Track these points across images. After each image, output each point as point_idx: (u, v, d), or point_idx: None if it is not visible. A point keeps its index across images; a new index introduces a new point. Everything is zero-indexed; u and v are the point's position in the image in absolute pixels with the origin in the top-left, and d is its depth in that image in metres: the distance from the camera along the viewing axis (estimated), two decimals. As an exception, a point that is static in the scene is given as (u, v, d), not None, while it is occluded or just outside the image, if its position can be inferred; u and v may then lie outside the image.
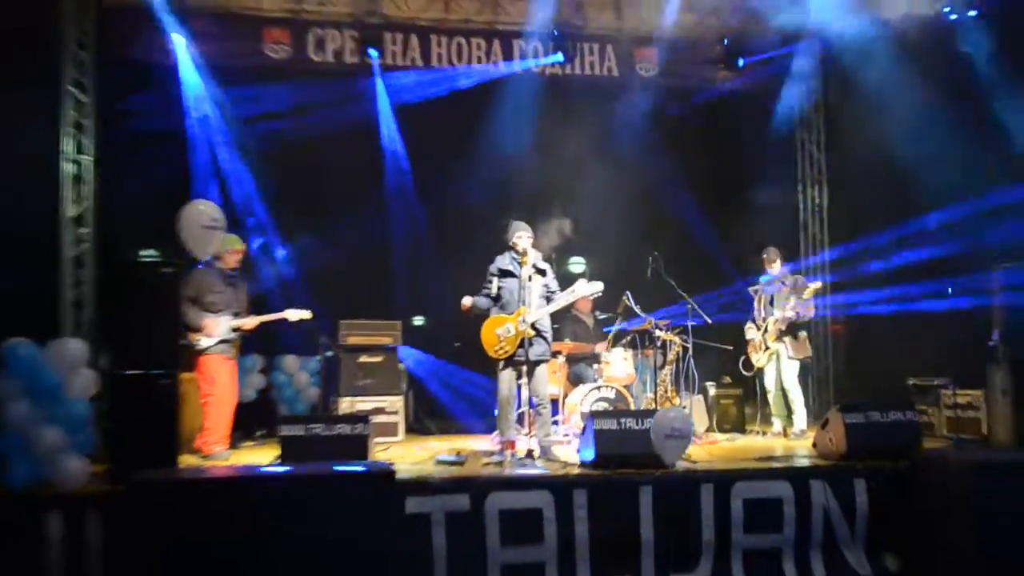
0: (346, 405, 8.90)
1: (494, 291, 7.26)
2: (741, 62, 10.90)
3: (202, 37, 9.73)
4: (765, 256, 9.12)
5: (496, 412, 7.46)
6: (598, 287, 7.46)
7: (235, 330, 7.44)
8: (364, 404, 8.85)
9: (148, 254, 9.38)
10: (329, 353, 9.20)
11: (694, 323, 8.69)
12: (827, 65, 10.96)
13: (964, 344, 8.27)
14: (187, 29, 9.58)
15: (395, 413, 9.03)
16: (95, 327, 9.03)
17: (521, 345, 7.02)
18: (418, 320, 10.89)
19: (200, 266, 7.32)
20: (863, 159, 10.26)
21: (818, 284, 8.84)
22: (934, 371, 8.91)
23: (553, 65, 10.75)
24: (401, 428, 9.08)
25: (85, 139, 9.33)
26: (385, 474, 5.18)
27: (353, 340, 9.22)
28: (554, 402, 8.32)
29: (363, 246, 10.12)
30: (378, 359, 9.22)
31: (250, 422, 9.03)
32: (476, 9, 10.56)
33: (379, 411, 8.80)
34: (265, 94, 9.87)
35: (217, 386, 7.31)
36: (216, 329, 7.29)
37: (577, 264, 11.20)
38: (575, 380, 9.30)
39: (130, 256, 9.13)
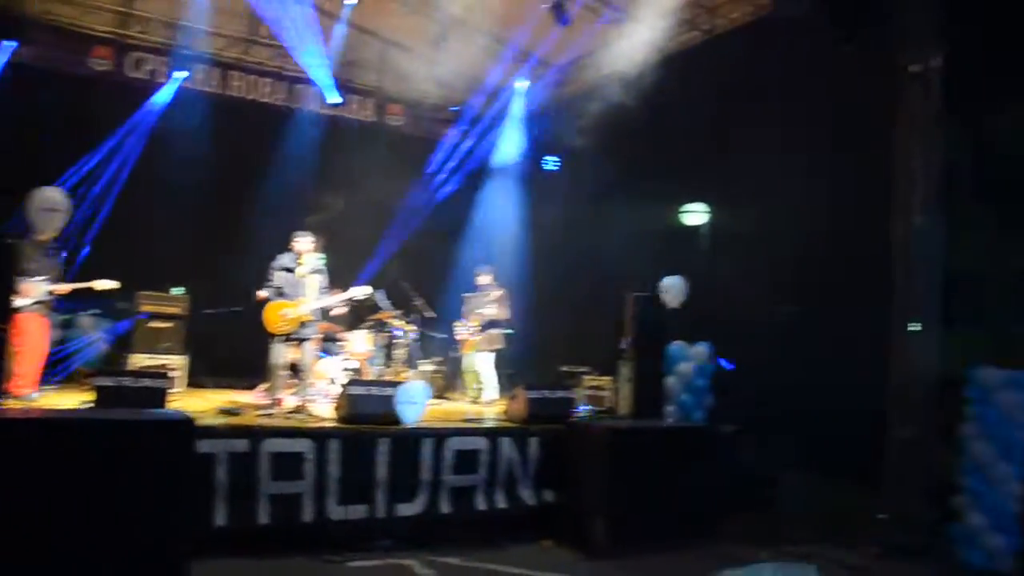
0: (137, 361, 9.05)
1: (276, 283, 7.79)
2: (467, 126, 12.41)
3: (32, 44, 9.58)
4: (475, 273, 10.19)
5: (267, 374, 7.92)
6: (368, 290, 8.36)
7: (50, 294, 7.60)
8: (152, 361, 9.01)
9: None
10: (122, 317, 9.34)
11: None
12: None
13: (602, 343, 9.54)
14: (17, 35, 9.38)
15: (177, 370, 9.17)
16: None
17: (296, 326, 7.74)
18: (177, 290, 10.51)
19: (23, 239, 7.42)
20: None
21: (499, 292, 9.94)
22: (579, 361, 10.34)
23: (329, 107, 11.67)
24: (183, 382, 9.32)
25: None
26: (185, 421, 5.51)
27: (147, 307, 9.42)
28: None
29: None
30: (168, 324, 9.42)
31: (47, 371, 9.09)
32: (269, 56, 11.38)
33: (165, 367, 8.88)
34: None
35: (28, 339, 7.40)
36: (32, 292, 7.43)
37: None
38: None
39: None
